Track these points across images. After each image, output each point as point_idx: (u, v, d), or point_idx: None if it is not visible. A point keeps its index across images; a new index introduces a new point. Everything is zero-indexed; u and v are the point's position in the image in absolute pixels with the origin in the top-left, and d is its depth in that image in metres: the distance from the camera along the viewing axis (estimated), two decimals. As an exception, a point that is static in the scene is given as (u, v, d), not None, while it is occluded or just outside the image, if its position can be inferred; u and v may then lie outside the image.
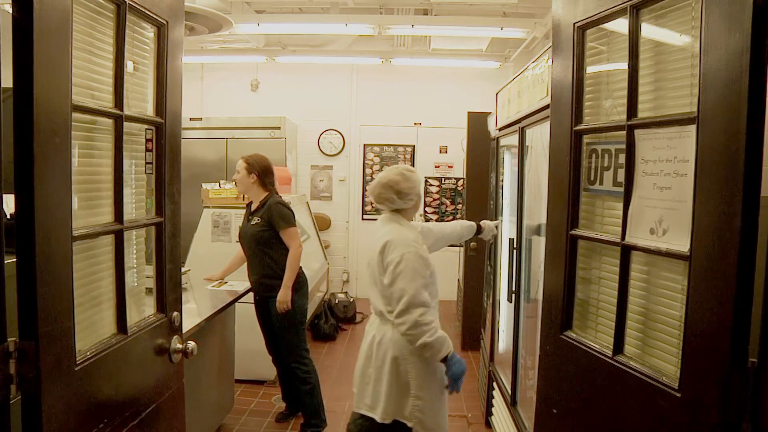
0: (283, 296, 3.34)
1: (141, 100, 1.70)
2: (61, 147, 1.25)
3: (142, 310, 1.76)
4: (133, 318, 1.63)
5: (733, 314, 1.15)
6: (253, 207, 3.50)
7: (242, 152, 6.18)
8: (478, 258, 4.64)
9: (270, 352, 3.73)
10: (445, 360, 2.33)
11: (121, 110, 1.52)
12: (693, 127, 1.26)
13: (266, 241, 3.39)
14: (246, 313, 3.90)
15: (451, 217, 7.01)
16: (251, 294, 3.65)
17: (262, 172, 3.45)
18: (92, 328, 1.47)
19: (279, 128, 6.24)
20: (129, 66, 1.58)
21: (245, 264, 3.59)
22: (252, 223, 3.42)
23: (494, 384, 3.56)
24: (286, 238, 3.39)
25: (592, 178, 1.71)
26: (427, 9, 5.61)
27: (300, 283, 3.47)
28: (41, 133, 1.18)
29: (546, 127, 2.03)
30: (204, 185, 4.52)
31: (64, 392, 1.28)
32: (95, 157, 1.51)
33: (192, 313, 2.86)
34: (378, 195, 2.49)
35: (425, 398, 2.37)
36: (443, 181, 7.04)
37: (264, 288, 3.46)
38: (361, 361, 2.54)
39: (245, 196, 3.69)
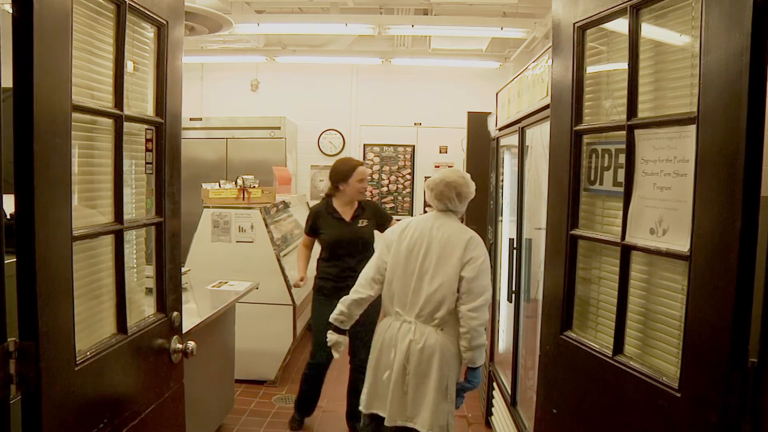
0: None
1: (141, 100, 1.70)
2: (61, 147, 1.25)
3: (142, 310, 1.76)
4: (133, 318, 1.63)
5: (733, 314, 1.15)
6: (353, 210, 3.44)
7: (242, 152, 6.30)
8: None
9: (353, 357, 3.45)
10: (475, 368, 2.43)
11: (121, 110, 1.52)
12: (693, 127, 1.26)
13: (373, 240, 3.45)
14: (246, 313, 3.90)
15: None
16: (253, 294, 3.63)
17: None
18: (92, 328, 1.47)
19: (279, 128, 6.24)
20: (129, 66, 1.58)
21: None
22: (362, 225, 3.42)
23: (494, 384, 3.56)
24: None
25: (592, 178, 1.71)
26: (427, 9, 5.62)
27: None
28: (41, 133, 1.18)
29: (546, 127, 2.03)
30: (204, 185, 4.52)
31: (64, 392, 1.28)
32: (95, 157, 1.51)
33: (192, 313, 2.86)
34: (440, 192, 2.50)
35: (453, 403, 2.45)
36: (443, 181, 7.03)
37: None
38: (391, 371, 2.43)
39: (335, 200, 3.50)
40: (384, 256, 2.55)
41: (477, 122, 4.90)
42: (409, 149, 7.12)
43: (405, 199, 7.15)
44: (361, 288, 2.57)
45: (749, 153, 1.12)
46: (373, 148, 7.16)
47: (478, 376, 2.45)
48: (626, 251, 1.52)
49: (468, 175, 2.56)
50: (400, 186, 7.17)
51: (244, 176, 4.59)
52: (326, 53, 6.68)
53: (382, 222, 3.49)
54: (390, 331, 2.49)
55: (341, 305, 2.57)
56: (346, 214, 3.42)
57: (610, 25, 1.61)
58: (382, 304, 2.60)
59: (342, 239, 3.38)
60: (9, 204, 1.18)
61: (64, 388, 1.28)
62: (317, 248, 3.54)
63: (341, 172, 3.39)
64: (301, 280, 3.57)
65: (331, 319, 2.58)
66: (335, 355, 2.67)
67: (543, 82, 2.40)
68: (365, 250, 3.38)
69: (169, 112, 1.76)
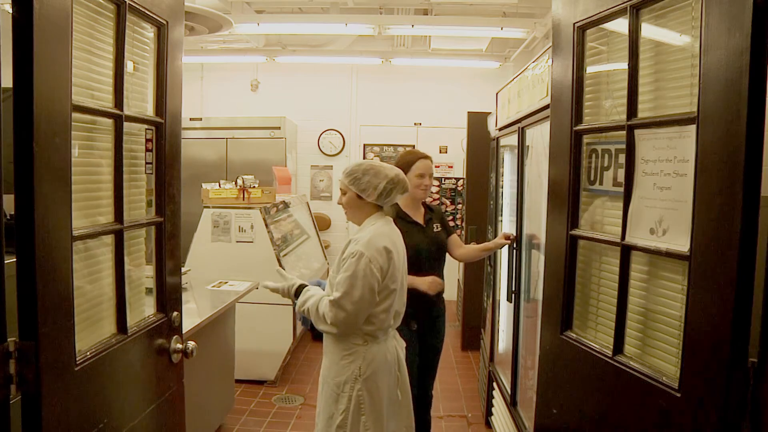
0: None
1: (141, 100, 1.70)
2: (61, 147, 1.25)
3: (142, 310, 1.76)
4: (133, 318, 1.63)
5: (733, 314, 1.15)
6: (423, 213, 2.96)
7: (242, 152, 6.30)
8: (478, 258, 4.65)
9: (422, 392, 2.92)
10: None
11: (121, 110, 1.52)
12: (693, 127, 1.26)
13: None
14: (246, 313, 3.90)
15: (450, 218, 7.01)
16: (253, 294, 3.62)
17: None
18: (92, 328, 1.47)
19: (279, 128, 6.24)
20: (129, 66, 1.58)
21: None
22: (437, 230, 2.96)
23: (494, 384, 3.56)
24: (456, 239, 3.09)
25: (592, 178, 1.71)
26: (427, 9, 5.61)
27: None
28: (41, 133, 1.18)
29: (546, 127, 2.03)
30: (204, 185, 4.53)
31: (64, 392, 1.28)
32: (95, 157, 1.51)
33: (192, 313, 2.86)
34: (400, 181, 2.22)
35: None
36: (443, 181, 7.04)
37: (443, 303, 3.01)
38: (402, 387, 2.27)
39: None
40: (377, 287, 2.08)
41: (477, 122, 4.90)
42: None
43: (405, 199, 7.15)
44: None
45: (749, 153, 1.12)
46: (373, 148, 7.16)
47: None
48: (626, 251, 1.52)
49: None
50: (400, 186, 7.15)
51: (244, 176, 4.59)
52: (326, 53, 6.68)
53: (448, 233, 3.05)
54: (388, 354, 2.19)
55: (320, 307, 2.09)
56: (418, 218, 2.92)
57: (610, 25, 1.61)
58: (359, 335, 2.13)
59: (424, 247, 2.85)
60: (9, 204, 1.18)
61: (64, 388, 1.28)
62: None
63: (399, 166, 2.72)
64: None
65: (308, 306, 2.14)
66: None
67: (543, 82, 2.40)
68: (439, 259, 2.94)
69: (169, 112, 1.76)
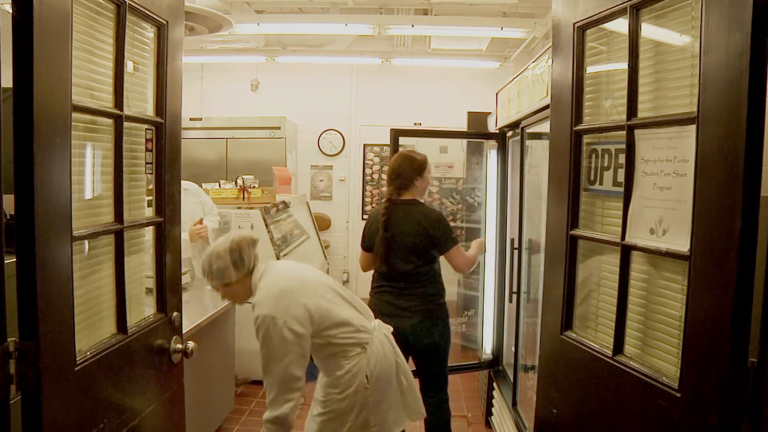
0: None
1: (141, 100, 1.69)
2: (61, 147, 1.25)
3: (142, 310, 1.76)
4: (133, 318, 1.63)
5: (733, 314, 1.15)
6: None
7: (242, 152, 6.30)
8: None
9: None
10: None
11: (121, 110, 1.52)
12: (693, 127, 1.26)
13: None
14: (246, 313, 3.89)
15: (451, 218, 7.00)
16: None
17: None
18: (92, 328, 1.47)
19: (279, 128, 6.24)
20: (129, 66, 1.58)
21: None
22: None
23: (494, 384, 3.56)
24: None
25: (592, 178, 1.71)
26: (427, 9, 5.61)
27: None
28: (41, 133, 1.18)
29: (546, 126, 2.03)
30: (204, 185, 4.52)
31: (64, 392, 1.28)
32: (95, 157, 1.51)
33: (192, 313, 2.86)
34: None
35: None
36: (443, 181, 7.03)
37: None
38: (398, 376, 2.23)
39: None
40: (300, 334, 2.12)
41: (477, 122, 4.90)
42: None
43: (405, 199, 7.14)
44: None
45: (749, 153, 1.12)
46: (373, 148, 7.16)
47: None
48: (626, 251, 1.52)
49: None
50: (400, 186, 7.14)
51: (244, 176, 4.59)
52: (326, 53, 6.68)
53: None
54: (383, 347, 2.17)
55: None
56: None
57: (610, 25, 1.61)
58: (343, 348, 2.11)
59: None
60: (9, 204, 1.18)
61: (64, 388, 1.28)
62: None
63: (416, 168, 2.83)
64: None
65: None
66: None
67: (543, 82, 2.40)
68: None
69: (169, 112, 1.76)
